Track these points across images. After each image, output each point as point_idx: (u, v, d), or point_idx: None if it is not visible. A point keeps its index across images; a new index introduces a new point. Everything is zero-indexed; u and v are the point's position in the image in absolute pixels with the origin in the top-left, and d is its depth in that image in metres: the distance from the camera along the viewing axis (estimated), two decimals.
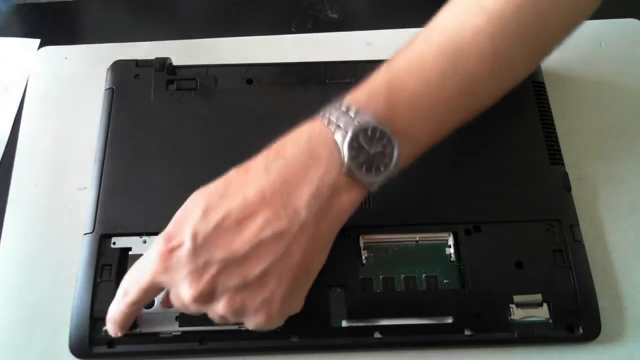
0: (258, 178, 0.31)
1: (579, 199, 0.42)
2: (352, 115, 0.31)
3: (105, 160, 0.41)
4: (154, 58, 0.46)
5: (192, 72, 0.45)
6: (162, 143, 0.42)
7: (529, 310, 0.37)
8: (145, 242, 0.39)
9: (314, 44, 0.51)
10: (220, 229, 0.30)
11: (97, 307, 0.37)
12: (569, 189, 0.41)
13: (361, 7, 0.54)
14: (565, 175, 0.42)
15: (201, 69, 0.46)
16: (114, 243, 0.39)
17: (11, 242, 0.42)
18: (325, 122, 0.32)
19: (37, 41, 0.52)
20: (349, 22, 0.53)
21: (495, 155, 0.42)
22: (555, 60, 0.48)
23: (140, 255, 0.38)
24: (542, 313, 0.37)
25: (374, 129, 0.31)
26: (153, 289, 0.32)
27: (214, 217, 0.30)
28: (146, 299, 0.33)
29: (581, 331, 0.37)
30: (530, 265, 0.38)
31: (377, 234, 0.39)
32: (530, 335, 0.37)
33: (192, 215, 0.31)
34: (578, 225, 0.40)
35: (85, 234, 0.39)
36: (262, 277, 0.30)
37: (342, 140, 0.31)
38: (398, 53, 0.35)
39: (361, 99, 0.33)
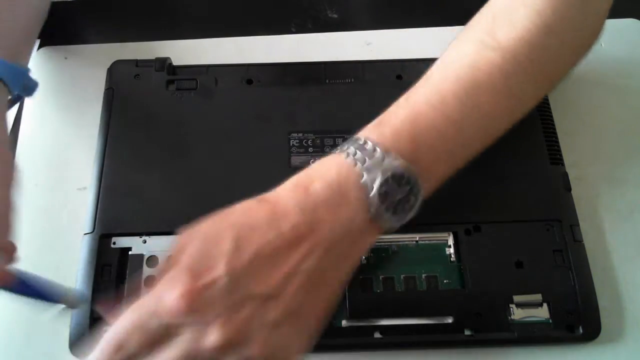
0: (290, 215, 0.30)
1: (579, 199, 0.42)
2: (380, 158, 0.31)
3: (105, 160, 0.41)
4: (154, 58, 0.46)
5: (192, 72, 0.45)
6: (162, 143, 0.42)
7: (529, 310, 0.37)
8: (145, 242, 0.39)
9: (314, 44, 0.51)
10: (257, 263, 0.29)
11: None
12: (569, 189, 0.41)
13: (361, 7, 0.54)
14: (565, 175, 0.42)
15: (201, 69, 0.46)
16: (114, 243, 0.39)
17: None
18: (352, 161, 0.32)
19: (37, 41, 0.52)
20: (349, 22, 0.53)
21: (495, 155, 0.42)
22: None
23: (140, 255, 0.38)
24: (542, 313, 0.37)
25: (401, 175, 0.31)
26: (158, 336, 0.28)
27: (249, 250, 0.29)
28: (147, 350, 0.28)
29: (581, 331, 0.37)
30: (530, 265, 0.38)
31: None
32: (530, 335, 0.37)
33: (222, 247, 0.29)
34: (578, 225, 0.40)
35: (85, 234, 0.39)
36: (291, 315, 0.29)
37: (371, 185, 0.31)
38: (416, 87, 0.35)
39: (386, 138, 0.32)
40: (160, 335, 0.28)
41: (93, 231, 0.39)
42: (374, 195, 0.31)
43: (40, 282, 0.33)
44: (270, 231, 0.29)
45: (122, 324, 0.28)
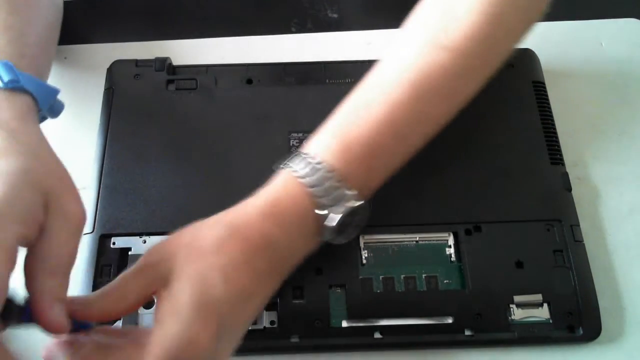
0: (264, 251, 0.31)
1: (579, 199, 0.42)
2: (339, 193, 0.33)
3: (105, 160, 0.41)
4: (154, 58, 0.46)
5: (192, 72, 0.45)
6: (161, 143, 0.42)
7: (529, 311, 0.37)
8: (145, 242, 0.39)
9: (314, 44, 0.51)
10: (242, 300, 0.30)
11: None
12: (569, 189, 0.41)
13: (361, 7, 0.54)
14: (565, 175, 0.42)
15: (201, 69, 0.46)
16: (114, 243, 0.39)
17: None
18: (313, 190, 0.32)
19: None
20: (349, 22, 0.53)
21: (496, 155, 0.42)
22: (555, 60, 0.49)
23: (140, 255, 0.38)
24: (542, 313, 0.37)
25: (356, 207, 0.33)
26: None
27: (236, 291, 0.30)
28: None
29: (581, 331, 0.37)
30: (531, 265, 0.38)
31: (377, 234, 0.39)
32: (531, 336, 0.37)
33: (216, 292, 0.29)
34: (578, 225, 0.40)
35: (85, 234, 0.39)
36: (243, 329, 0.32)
37: (327, 219, 0.32)
38: (373, 90, 0.36)
39: (345, 167, 0.33)
40: None
41: (93, 231, 0.39)
42: (328, 227, 0.33)
43: None
44: (250, 270, 0.30)
45: None
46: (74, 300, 0.30)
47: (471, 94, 0.37)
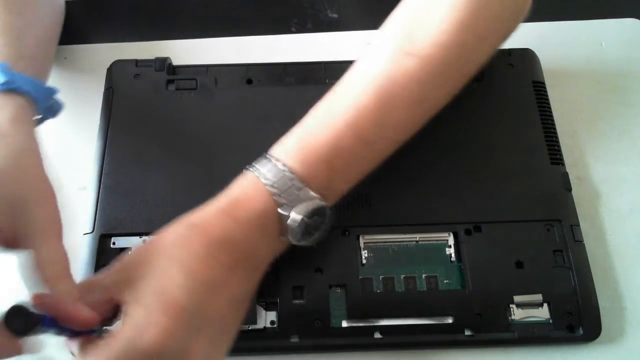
0: (225, 244, 0.32)
1: (579, 199, 0.42)
2: (300, 194, 0.33)
3: (105, 160, 0.41)
4: (154, 58, 0.46)
5: (192, 72, 0.45)
6: (161, 143, 0.42)
7: (529, 311, 0.37)
8: (145, 242, 0.39)
9: (314, 44, 0.51)
10: (207, 291, 0.31)
11: None
12: (569, 189, 0.41)
13: (361, 7, 0.54)
14: (565, 175, 0.42)
15: (201, 69, 0.46)
16: (114, 243, 0.39)
17: None
18: (272, 191, 0.33)
19: None
20: (349, 22, 0.53)
21: (496, 156, 0.42)
22: (555, 60, 0.49)
23: None
24: (542, 313, 0.37)
25: (317, 210, 0.33)
26: None
27: (199, 280, 0.30)
28: None
29: (581, 331, 0.37)
30: (531, 265, 0.38)
31: (377, 234, 0.39)
32: (531, 336, 0.37)
33: (175, 281, 0.30)
34: (578, 225, 0.40)
35: (85, 234, 0.39)
36: (227, 331, 0.32)
37: (289, 217, 0.33)
38: (337, 97, 0.36)
39: (306, 166, 0.34)
40: None
41: (93, 231, 0.39)
42: (291, 227, 0.33)
43: None
44: (211, 261, 0.31)
45: None
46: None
47: (443, 101, 0.37)
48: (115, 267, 0.32)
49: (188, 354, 0.29)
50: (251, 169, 0.35)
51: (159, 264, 0.30)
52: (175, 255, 0.31)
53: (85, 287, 0.31)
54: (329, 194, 0.35)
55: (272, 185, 0.33)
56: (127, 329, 0.29)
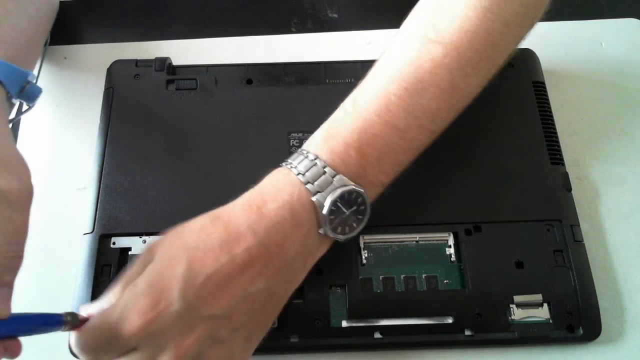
0: (243, 237, 0.31)
1: (579, 199, 0.42)
2: (330, 180, 0.33)
3: (105, 160, 0.41)
4: (154, 58, 0.46)
5: (192, 72, 0.45)
6: (161, 143, 0.42)
7: (530, 311, 0.37)
8: (145, 242, 0.39)
9: (314, 44, 0.51)
10: (209, 286, 0.30)
11: None
12: (569, 189, 0.41)
13: (361, 7, 0.54)
14: (565, 175, 0.42)
15: (201, 69, 0.46)
16: (114, 243, 0.39)
17: None
18: (303, 180, 0.33)
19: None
20: (348, 22, 0.53)
21: (496, 155, 0.42)
22: (555, 60, 0.49)
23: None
24: (542, 313, 0.37)
25: (350, 193, 0.33)
26: (117, 350, 0.29)
27: (202, 274, 0.30)
28: None
29: (581, 331, 0.37)
30: (531, 265, 0.38)
31: (377, 234, 0.39)
32: (531, 336, 0.37)
33: (176, 271, 0.29)
34: (578, 225, 0.40)
35: (85, 234, 0.39)
36: (237, 330, 0.31)
37: (322, 206, 0.32)
38: (363, 89, 0.36)
39: (336, 154, 0.33)
40: (119, 350, 0.29)
41: (93, 231, 0.39)
42: (324, 216, 0.32)
43: (35, 319, 0.30)
44: (222, 254, 0.30)
45: (84, 339, 0.29)
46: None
47: (475, 89, 0.37)
48: (144, 249, 0.32)
49: (173, 348, 0.29)
50: (282, 164, 0.34)
51: (171, 250, 0.30)
52: (189, 243, 0.31)
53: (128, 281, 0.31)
54: (364, 183, 0.34)
55: (303, 175, 0.32)
56: (112, 310, 0.29)
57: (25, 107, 0.40)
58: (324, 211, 0.32)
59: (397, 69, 0.35)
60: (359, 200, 0.33)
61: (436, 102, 0.35)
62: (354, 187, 0.33)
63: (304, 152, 0.34)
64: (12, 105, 0.39)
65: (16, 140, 0.46)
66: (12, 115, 0.40)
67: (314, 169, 0.33)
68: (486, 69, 0.37)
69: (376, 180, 0.35)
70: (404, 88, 0.34)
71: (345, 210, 0.33)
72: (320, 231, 0.33)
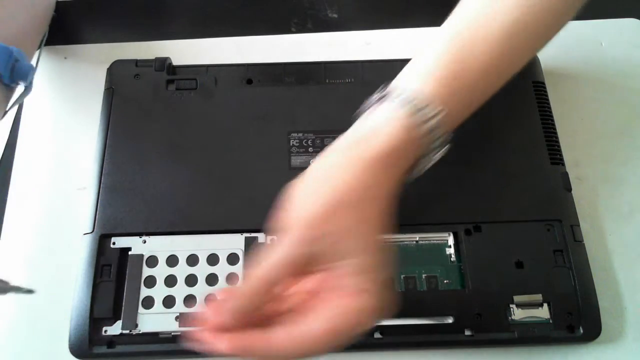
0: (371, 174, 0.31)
1: (579, 199, 0.42)
2: (433, 116, 0.32)
3: (105, 160, 0.41)
4: (154, 58, 0.46)
5: (192, 72, 0.45)
6: (161, 143, 0.42)
7: (530, 311, 0.37)
8: (145, 242, 0.39)
9: (314, 44, 0.51)
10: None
11: (97, 307, 0.37)
12: (569, 189, 0.41)
13: (361, 7, 0.54)
14: (565, 175, 0.42)
15: (201, 69, 0.46)
16: (114, 243, 0.39)
17: (11, 242, 0.42)
18: (407, 112, 0.32)
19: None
20: (349, 22, 0.53)
21: (496, 155, 0.42)
22: (555, 60, 0.49)
23: (140, 255, 0.38)
24: (542, 313, 0.37)
25: (437, 118, 0.33)
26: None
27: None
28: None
29: (582, 331, 0.37)
30: (531, 265, 0.38)
31: None
32: (531, 336, 0.37)
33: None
34: (578, 225, 0.40)
35: (85, 234, 0.39)
36: None
37: (419, 134, 0.32)
38: (436, 36, 0.35)
39: (436, 95, 0.33)
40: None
41: (93, 231, 0.39)
42: (420, 142, 0.32)
43: None
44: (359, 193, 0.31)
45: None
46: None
47: (551, 36, 0.37)
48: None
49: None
50: (380, 97, 0.34)
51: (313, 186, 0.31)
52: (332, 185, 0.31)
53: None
54: (446, 110, 0.33)
55: (401, 107, 0.32)
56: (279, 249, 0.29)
57: (22, 101, 0.40)
58: (422, 140, 0.32)
59: (466, 11, 0.35)
60: (442, 127, 0.33)
61: (533, 42, 0.36)
62: (438, 109, 0.33)
63: (399, 88, 0.33)
64: (10, 89, 0.38)
65: (16, 140, 0.46)
66: (12, 102, 0.40)
67: (411, 102, 0.32)
68: (568, 13, 0.37)
69: (455, 111, 0.35)
70: (473, 28, 0.34)
71: (432, 138, 0.33)
72: (420, 154, 0.34)
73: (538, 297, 0.37)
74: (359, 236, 0.30)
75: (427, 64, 0.34)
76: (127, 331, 0.36)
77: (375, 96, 0.34)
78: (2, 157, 0.46)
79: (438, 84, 0.33)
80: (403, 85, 0.34)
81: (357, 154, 0.32)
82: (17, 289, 0.34)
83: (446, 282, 0.38)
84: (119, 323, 0.36)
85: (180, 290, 0.37)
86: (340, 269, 0.29)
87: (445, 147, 0.34)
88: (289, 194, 0.32)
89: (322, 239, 0.29)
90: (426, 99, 0.33)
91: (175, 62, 0.46)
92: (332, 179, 0.31)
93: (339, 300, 0.29)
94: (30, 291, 0.35)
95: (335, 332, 0.29)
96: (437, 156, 0.34)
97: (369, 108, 0.34)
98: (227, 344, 0.28)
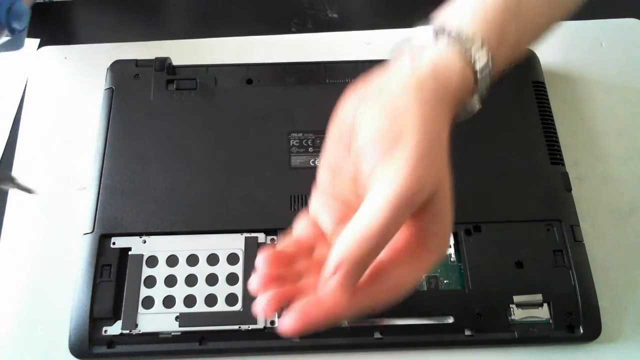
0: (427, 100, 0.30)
1: (579, 199, 0.42)
2: (486, 58, 0.32)
3: (105, 160, 0.41)
4: (154, 58, 0.46)
5: (192, 72, 0.45)
6: (161, 143, 0.42)
7: (529, 311, 0.37)
8: (144, 242, 0.39)
9: (314, 44, 0.51)
10: None
11: (97, 307, 0.37)
12: (569, 189, 0.41)
13: (361, 7, 0.54)
14: (565, 175, 0.42)
15: (201, 69, 0.46)
16: (114, 243, 0.39)
17: (11, 242, 0.42)
18: (461, 51, 0.32)
19: (37, 41, 0.52)
20: (349, 22, 0.53)
21: (496, 156, 0.42)
22: (555, 60, 0.49)
23: (140, 255, 0.38)
24: (542, 313, 0.37)
25: (487, 62, 0.32)
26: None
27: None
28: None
29: (581, 331, 0.37)
30: (531, 265, 0.38)
31: None
32: (531, 336, 0.37)
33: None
34: (578, 225, 0.40)
35: (85, 234, 0.39)
36: None
37: (474, 73, 0.32)
38: None
39: (486, 37, 0.32)
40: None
41: (93, 231, 0.39)
42: (469, 83, 0.32)
43: None
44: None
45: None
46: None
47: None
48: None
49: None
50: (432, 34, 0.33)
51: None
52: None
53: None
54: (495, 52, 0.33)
55: (452, 46, 0.32)
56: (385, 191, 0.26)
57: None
58: (474, 79, 0.32)
59: None
60: (492, 70, 0.33)
61: None
62: (490, 58, 0.32)
63: (447, 29, 0.33)
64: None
65: (16, 140, 0.46)
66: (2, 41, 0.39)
67: (461, 41, 0.32)
68: None
69: (502, 52, 0.34)
70: None
71: (484, 78, 0.32)
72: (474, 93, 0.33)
73: (538, 297, 0.37)
74: (448, 183, 0.30)
75: (477, 4, 0.34)
76: (127, 331, 0.36)
77: (423, 32, 0.34)
78: (2, 157, 0.46)
79: (490, 25, 0.33)
80: (456, 23, 0.33)
81: (428, 95, 0.31)
82: (19, 186, 0.36)
83: (446, 282, 0.38)
84: (119, 323, 0.36)
85: (180, 290, 0.37)
86: (438, 223, 0.29)
87: (485, 92, 0.33)
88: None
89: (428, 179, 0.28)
90: (479, 39, 0.32)
91: (175, 62, 0.46)
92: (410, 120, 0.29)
93: (429, 255, 0.28)
94: (29, 190, 0.36)
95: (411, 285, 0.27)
96: (478, 104, 0.33)
97: (417, 43, 0.34)
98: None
